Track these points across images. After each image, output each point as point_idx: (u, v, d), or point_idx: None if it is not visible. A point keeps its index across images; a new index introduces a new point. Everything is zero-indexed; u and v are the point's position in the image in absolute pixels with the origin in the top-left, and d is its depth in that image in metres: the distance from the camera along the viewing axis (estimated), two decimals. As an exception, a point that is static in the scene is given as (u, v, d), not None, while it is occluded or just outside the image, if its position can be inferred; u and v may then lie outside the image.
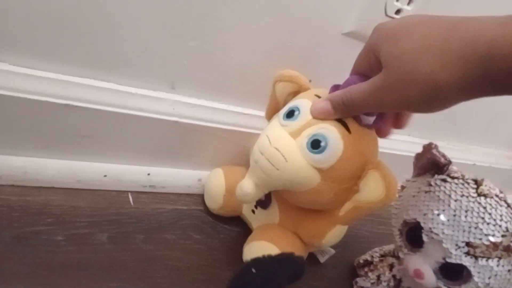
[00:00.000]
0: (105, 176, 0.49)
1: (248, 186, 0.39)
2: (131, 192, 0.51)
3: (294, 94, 0.43)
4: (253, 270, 0.33)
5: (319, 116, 0.38)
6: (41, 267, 0.38)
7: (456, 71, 0.27)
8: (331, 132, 0.37)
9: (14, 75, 0.41)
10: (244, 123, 0.55)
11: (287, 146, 0.37)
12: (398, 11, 0.51)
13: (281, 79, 0.44)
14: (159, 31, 0.44)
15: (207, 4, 0.44)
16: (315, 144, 0.37)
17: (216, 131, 0.53)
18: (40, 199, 0.45)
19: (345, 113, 0.37)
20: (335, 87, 0.38)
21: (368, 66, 0.36)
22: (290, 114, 0.39)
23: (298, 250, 0.46)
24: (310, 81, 0.43)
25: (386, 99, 0.32)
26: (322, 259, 0.53)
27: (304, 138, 0.37)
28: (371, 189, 0.38)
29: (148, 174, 0.52)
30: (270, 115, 0.47)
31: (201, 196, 0.56)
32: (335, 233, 0.45)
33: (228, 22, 0.47)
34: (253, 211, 0.51)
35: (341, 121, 0.37)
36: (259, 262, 0.35)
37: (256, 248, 0.45)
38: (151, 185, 0.53)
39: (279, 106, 0.44)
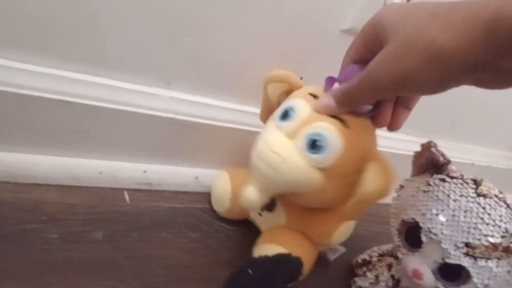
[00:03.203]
0: (100, 173, 0.49)
1: (250, 193, 0.38)
2: (127, 189, 0.51)
3: (287, 93, 0.43)
4: (249, 271, 0.33)
5: (324, 112, 0.37)
6: (34, 266, 0.38)
7: (459, 37, 0.25)
8: (328, 130, 0.36)
9: (7, 70, 0.40)
10: (241, 120, 0.54)
11: (285, 149, 0.36)
12: (398, 8, 0.50)
13: (271, 80, 0.43)
14: (154, 27, 0.44)
15: (202, 2, 0.44)
16: (313, 144, 0.36)
17: (212, 128, 0.52)
18: (34, 196, 0.44)
19: (348, 105, 0.36)
20: (330, 79, 0.38)
21: (364, 47, 0.34)
22: (284, 115, 0.38)
23: (308, 251, 0.46)
24: (301, 78, 0.42)
25: (381, 76, 0.30)
26: (332, 257, 0.53)
27: (301, 138, 0.36)
28: (371, 180, 0.37)
29: (144, 172, 0.52)
30: (264, 117, 0.46)
31: (198, 194, 0.56)
32: (343, 230, 0.45)
33: (224, 18, 0.46)
34: (260, 214, 0.50)
35: (338, 118, 0.36)
36: (255, 263, 0.35)
37: (266, 251, 0.45)
38: (147, 183, 0.52)
39: (273, 107, 0.44)
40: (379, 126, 0.39)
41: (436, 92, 0.29)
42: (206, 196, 0.56)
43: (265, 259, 0.36)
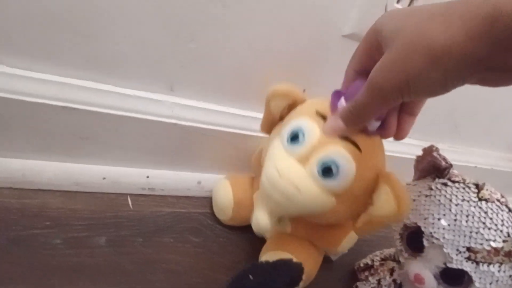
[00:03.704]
0: (103, 178, 0.49)
1: (263, 219, 0.38)
2: (130, 194, 0.51)
3: (289, 107, 0.42)
4: (250, 277, 0.33)
5: (333, 135, 0.36)
6: (38, 271, 0.38)
7: (458, 34, 0.25)
8: (341, 155, 0.35)
9: (11, 77, 0.41)
10: (244, 125, 0.54)
11: (298, 177, 0.36)
12: (399, 13, 0.50)
13: (274, 95, 0.42)
14: (157, 32, 0.44)
15: (206, 6, 0.44)
16: (327, 171, 0.35)
17: (215, 133, 0.53)
18: (38, 202, 0.44)
19: (357, 122, 0.35)
20: (336, 94, 0.37)
21: (366, 55, 0.34)
22: (294, 138, 0.37)
23: (314, 257, 0.47)
24: (304, 90, 0.42)
25: (385, 83, 0.30)
26: (334, 258, 0.54)
27: (314, 165, 0.35)
28: (383, 204, 0.37)
29: (147, 177, 0.52)
30: (265, 129, 0.46)
31: (201, 199, 0.56)
32: (349, 239, 0.46)
33: (227, 24, 0.46)
34: None
35: (351, 141, 0.36)
36: (256, 268, 0.35)
37: (274, 258, 0.45)
38: (150, 188, 0.52)
39: (275, 120, 0.43)
40: (386, 137, 0.38)
41: (440, 93, 0.29)
42: (208, 201, 0.56)
43: (266, 264, 0.36)
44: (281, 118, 0.43)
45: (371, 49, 0.33)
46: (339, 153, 0.35)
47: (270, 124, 0.44)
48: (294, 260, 0.38)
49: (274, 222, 0.39)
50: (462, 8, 0.26)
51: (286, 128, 0.39)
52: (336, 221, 0.42)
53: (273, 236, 0.49)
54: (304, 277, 0.42)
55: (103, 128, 0.46)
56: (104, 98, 0.45)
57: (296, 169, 0.36)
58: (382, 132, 0.37)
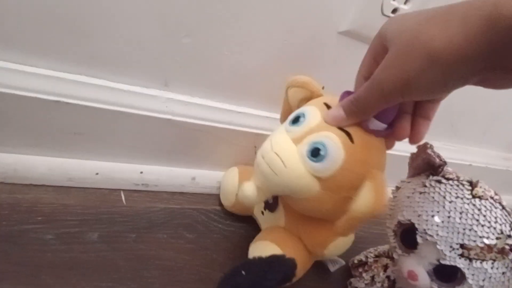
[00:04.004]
0: (97, 174, 0.49)
1: (248, 189, 0.39)
2: (124, 190, 0.51)
3: (306, 100, 0.43)
4: (243, 273, 0.33)
5: (333, 122, 0.37)
6: (29, 266, 0.38)
7: (457, 36, 0.25)
8: (332, 140, 0.36)
9: (3, 71, 0.40)
10: (238, 121, 0.54)
11: (287, 152, 0.37)
12: (394, 10, 0.50)
13: (293, 84, 0.43)
14: (152, 27, 0.44)
15: (201, 1, 0.44)
16: (315, 152, 0.36)
17: (209, 129, 0.52)
18: (30, 197, 0.44)
19: (357, 115, 0.35)
20: (346, 94, 0.37)
21: (373, 61, 0.34)
22: (295, 120, 0.39)
23: (301, 253, 0.46)
24: (323, 87, 0.42)
25: (385, 81, 0.30)
26: (332, 268, 0.53)
27: (305, 145, 0.37)
28: (362, 200, 0.36)
29: (141, 172, 0.52)
30: (284, 120, 0.46)
31: (195, 195, 0.56)
32: (338, 244, 0.45)
33: (222, 19, 0.46)
34: (262, 213, 0.51)
35: (345, 130, 0.36)
36: (249, 264, 0.35)
37: (260, 247, 0.46)
38: (144, 184, 0.52)
39: (292, 111, 0.44)
40: (399, 139, 0.38)
41: (442, 94, 0.30)
42: (203, 197, 0.56)
43: (259, 260, 0.36)
44: None
45: (378, 55, 0.34)
46: (331, 138, 0.36)
47: (287, 115, 0.44)
48: (287, 256, 0.38)
49: (260, 195, 0.39)
50: (463, 9, 0.26)
51: (292, 113, 0.41)
52: (320, 213, 0.41)
53: (267, 228, 0.50)
54: None
55: (97, 123, 0.46)
56: (98, 93, 0.45)
57: (287, 145, 0.37)
58: (395, 133, 0.37)
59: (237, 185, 0.51)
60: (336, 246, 0.45)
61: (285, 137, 0.38)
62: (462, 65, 0.26)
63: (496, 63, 0.25)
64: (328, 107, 0.38)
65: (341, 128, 0.36)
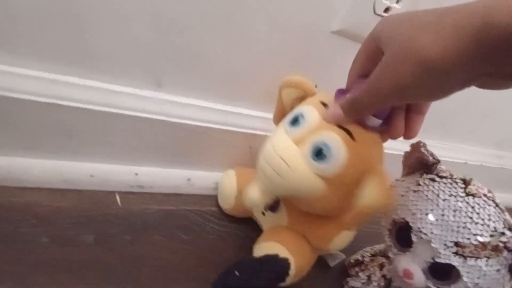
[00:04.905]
0: (91, 176, 0.49)
1: (254, 193, 0.40)
2: (118, 192, 0.51)
3: (300, 99, 0.43)
4: (236, 273, 0.33)
5: (332, 122, 0.37)
6: (24, 268, 0.37)
7: (450, 44, 0.25)
8: (333, 140, 0.36)
9: (-4, 73, 0.40)
10: (233, 122, 0.54)
11: (291, 155, 0.37)
12: (387, 9, 0.50)
13: (286, 85, 0.43)
14: (145, 28, 0.44)
15: (195, 1, 0.44)
16: (318, 153, 0.36)
17: (204, 130, 0.52)
18: (25, 200, 0.44)
19: (355, 114, 0.36)
20: (340, 92, 0.38)
21: (367, 59, 0.35)
22: (294, 121, 0.39)
23: (306, 252, 0.46)
24: (316, 86, 0.43)
25: (382, 86, 0.31)
26: (332, 263, 0.54)
27: (307, 146, 0.37)
28: (369, 195, 0.37)
29: (136, 174, 0.52)
30: (277, 120, 0.46)
31: (190, 196, 0.55)
32: (342, 238, 0.45)
33: (216, 19, 0.46)
34: (263, 213, 0.51)
35: (345, 129, 0.37)
36: (242, 264, 0.35)
37: (266, 248, 0.45)
38: (139, 185, 0.52)
39: (285, 111, 0.44)
40: (394, 137, 0.38)
41: (441, 97, 0.30)
42: (198, 198, 0.56)
43: (252, 260, 0.36)
44: (291, 110, 0.44)
45: (371, 54, 0.34)
46: (333, 138, 0.36)
47: (281, 115, 0.45)
48: (281, 256, 0.38)
49: (265, 199, 0.40)
50: (455, 16, 0.26)
51: (290, 114, 0.41)
52: (327, 210, 0.42)
53: (270, 228, 0.50)
54: (295, 271, 0.42)
55: (91, 125, 0.46)
56: (91, 95, 0.44)
57: (290, 147, 0.38)
58: (389, 131, 0.38)
59: (236, 188, 0.51)
60: (340, 240, 0.45)
61: (286, 139, 0.38)
62: (458, 73, 0.27)
63: (492, 70, 0.26)
64: (325, 105, 0.38)
65: (340, 126, 0.37)
